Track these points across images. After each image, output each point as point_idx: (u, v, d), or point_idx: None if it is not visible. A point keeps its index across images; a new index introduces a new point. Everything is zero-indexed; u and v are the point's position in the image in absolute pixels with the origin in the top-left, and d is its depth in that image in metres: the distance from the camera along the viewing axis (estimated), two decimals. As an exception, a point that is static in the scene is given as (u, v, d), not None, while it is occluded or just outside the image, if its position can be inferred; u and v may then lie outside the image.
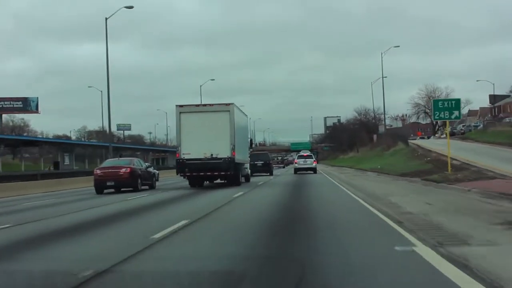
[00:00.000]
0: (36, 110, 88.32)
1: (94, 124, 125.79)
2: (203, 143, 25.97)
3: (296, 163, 51.01)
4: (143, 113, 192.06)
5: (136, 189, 26.35)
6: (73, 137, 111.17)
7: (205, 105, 28.25)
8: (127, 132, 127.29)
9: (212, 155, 26.05)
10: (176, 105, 27.25)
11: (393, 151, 61.76)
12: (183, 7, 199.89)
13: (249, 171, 35.43)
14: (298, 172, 47.59)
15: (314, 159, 50.99)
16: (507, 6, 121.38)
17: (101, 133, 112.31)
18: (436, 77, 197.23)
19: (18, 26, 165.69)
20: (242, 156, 29.86)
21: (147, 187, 28.35)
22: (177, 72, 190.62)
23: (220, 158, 26.01)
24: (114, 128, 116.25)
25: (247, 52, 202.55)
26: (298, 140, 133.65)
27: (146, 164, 31.86)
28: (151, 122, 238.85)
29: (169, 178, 45.12)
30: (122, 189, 26.55)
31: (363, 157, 74.94)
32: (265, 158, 48.88)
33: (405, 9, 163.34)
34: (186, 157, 26.19)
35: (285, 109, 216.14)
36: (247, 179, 33.13)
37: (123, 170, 26.29)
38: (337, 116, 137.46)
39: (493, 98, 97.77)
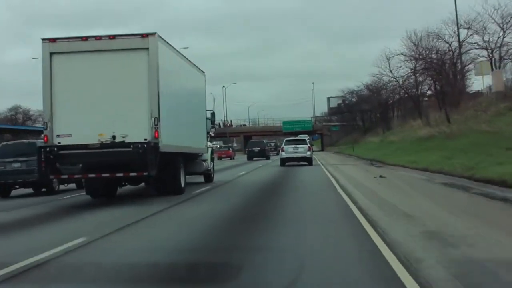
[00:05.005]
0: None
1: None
2: (97, 114, 13.80)
3: (283, 151, 35.59)
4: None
5: None
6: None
7: (99, 37, 14.15)
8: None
9: (114, 137, 13.73)
10: (43, 39, 13.98)
11: None
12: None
13: (213, 164, 22.28)
14: (286, 164, 34.31)
15: (308, 144, 36.31)
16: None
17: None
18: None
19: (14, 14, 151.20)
20: (187, 140, 16.98)
21: None
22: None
23: (128, 144, 13.54)
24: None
25: (247, 39, 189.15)
26: (295, 117, 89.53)
27: None
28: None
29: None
30: None
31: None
32: (261, 145, 54.30)
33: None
34: (64, 142, 13.72)
35: (286, 96, 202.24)
36: (208, 179, 21.20)
37: None
38: (342, 96, 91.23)
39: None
